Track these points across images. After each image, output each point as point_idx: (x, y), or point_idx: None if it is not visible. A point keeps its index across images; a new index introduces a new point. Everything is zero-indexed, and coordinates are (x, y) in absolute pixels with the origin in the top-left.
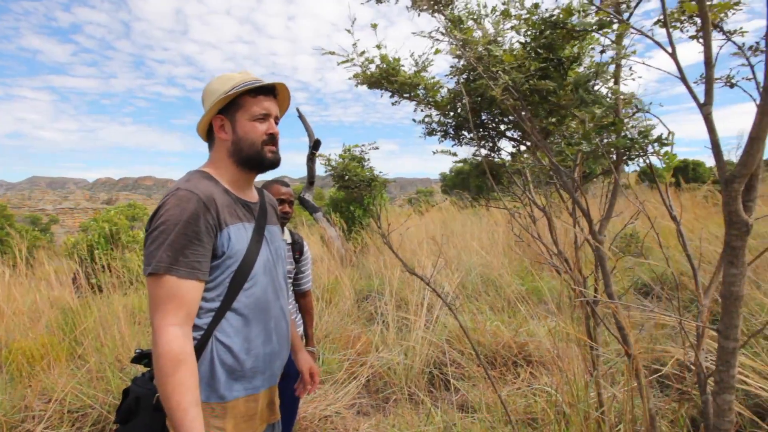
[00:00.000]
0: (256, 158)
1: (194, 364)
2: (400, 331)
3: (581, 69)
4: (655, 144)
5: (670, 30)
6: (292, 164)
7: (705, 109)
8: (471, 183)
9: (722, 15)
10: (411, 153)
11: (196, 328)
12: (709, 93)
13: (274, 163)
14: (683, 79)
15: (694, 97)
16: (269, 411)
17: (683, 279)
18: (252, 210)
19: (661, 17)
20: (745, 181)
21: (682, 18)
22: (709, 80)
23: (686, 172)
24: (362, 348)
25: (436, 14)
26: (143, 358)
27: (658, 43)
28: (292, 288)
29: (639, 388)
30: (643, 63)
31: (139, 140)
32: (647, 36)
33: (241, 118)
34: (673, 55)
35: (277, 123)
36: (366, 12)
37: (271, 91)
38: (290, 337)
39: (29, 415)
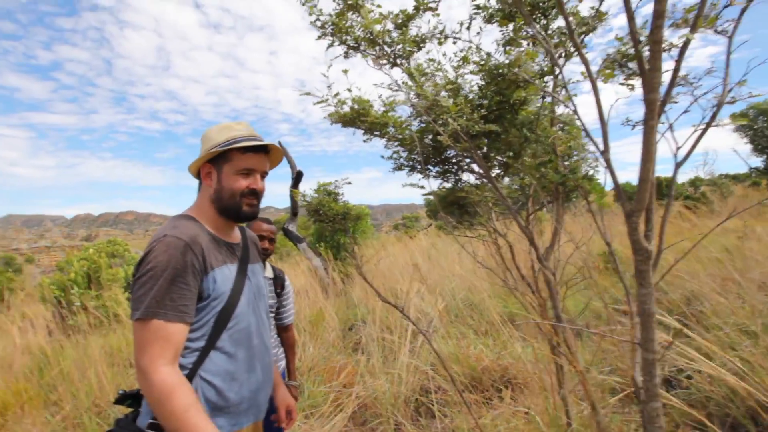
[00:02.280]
0: (234, 208)
1: (189, 386)
2: (386, 359)
3: (533, 107)
4: (584, 180)
5: (571, 94)
6: (276, 194)
7: (604, 155)
8: (453, 209)
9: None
10: (396, 179)
11: (181, 367)
12: (605, 142)
13: (250, 216)
14: (586, 132)
15: (596, 146)
16: None
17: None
18: (235, 251)
19: (584, 72)
20: (642, 215)
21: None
22: (604, 134)
23: (660, 189)
24: (347, 378)
25: (394, 67)
26: (127, 398)
27: (562, 102)
28: (274, 322)
29: (589, 400)
30: (557, 119)
31: (119, 175)
32: (554, 96)
33: (227, 170)
34: (576, 112)
35: (263, 177)
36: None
37: (263, 148)
38: (273, 371)
39: None
